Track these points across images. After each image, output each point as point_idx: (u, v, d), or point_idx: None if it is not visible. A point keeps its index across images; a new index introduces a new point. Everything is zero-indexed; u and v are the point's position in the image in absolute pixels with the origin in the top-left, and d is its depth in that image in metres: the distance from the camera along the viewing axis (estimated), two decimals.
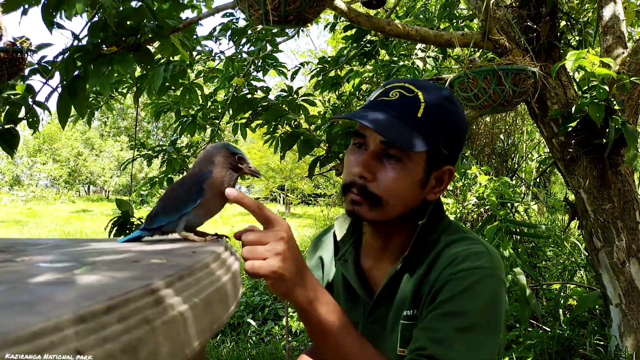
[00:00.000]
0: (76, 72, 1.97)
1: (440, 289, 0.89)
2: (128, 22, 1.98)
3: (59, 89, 1.97)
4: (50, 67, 2.15)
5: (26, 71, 2.20)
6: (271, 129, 3.05)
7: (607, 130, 2.32)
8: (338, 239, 1.11)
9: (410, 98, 0.95)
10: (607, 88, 2.22)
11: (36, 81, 2.22)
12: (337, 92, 4.12)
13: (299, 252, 0.85)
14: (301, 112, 2.97)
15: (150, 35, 2.03)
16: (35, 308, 0.34)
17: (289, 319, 3.23)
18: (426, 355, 0.83)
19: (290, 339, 3.67)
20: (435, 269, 0.93)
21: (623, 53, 2.64)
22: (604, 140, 2.44)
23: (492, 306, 0.87)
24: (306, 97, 3.08)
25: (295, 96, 3.05)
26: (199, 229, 0.83)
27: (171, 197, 0.85)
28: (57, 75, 2.04)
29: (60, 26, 2.00)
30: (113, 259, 0.57)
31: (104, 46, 1.98)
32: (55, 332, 0.30)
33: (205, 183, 0.80)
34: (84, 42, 2.02)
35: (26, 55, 2.21)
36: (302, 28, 3.25)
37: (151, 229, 0.82)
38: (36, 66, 2.18)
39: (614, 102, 2.33)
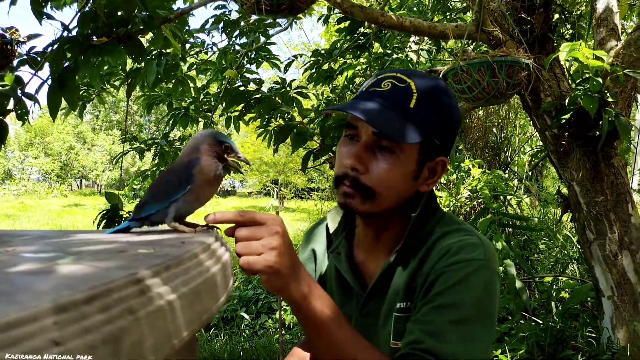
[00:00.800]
0: (66, 64, 1.94)
1: (434, 281, 0.88)
2: (118, 13, 1.96)
3: (49, 81, 1.95)
4: (39, 58, 2.12)
5: (15, 62, 2.16)
6: (264, 122, 3.03)
7: (601, 122, 2.32)
8: (331, 231, 1.09)
9: (402, 88, 0.93)
10: (600, 80, 2.22)
11: (25, 72, 2.19)
12: (330, 85, 4.09)
13: (293, 247, 0.83)
14: (294, 105, 2.95)
15: (141, 26, 2.01)
16: (13, 297, 0.32)
17: (282, 312, 3.23)
18: (421, 348, 0.82)
19: (283, 332, 3.66)
20: (429, 261, 0.92)
21: (616, 45, 2.65)
22: (597, 133, 2.43)
23: (486, 298, 0.86)
24: (299, 90, 3.06)
25: (288, 88, 3.03)
26: (189, 219, 0.82)
27: (160, 184, 0.83)
28: (47, 66, 2.01)
29: (49, 17, 1.97)
30: (99, 249, 0.56)
31: (94, 37, 1.95)
32: (32, 322, 0.29)
33: (194, 169, 0.79)
34: (73, 33, 1.99)
35: (16, 46, 2.18)
36: (294, 19, 3.23)
37: (140, 218, 0.80)
38: (25, 57, 2.15)
39: (607, 94, 2.33)
